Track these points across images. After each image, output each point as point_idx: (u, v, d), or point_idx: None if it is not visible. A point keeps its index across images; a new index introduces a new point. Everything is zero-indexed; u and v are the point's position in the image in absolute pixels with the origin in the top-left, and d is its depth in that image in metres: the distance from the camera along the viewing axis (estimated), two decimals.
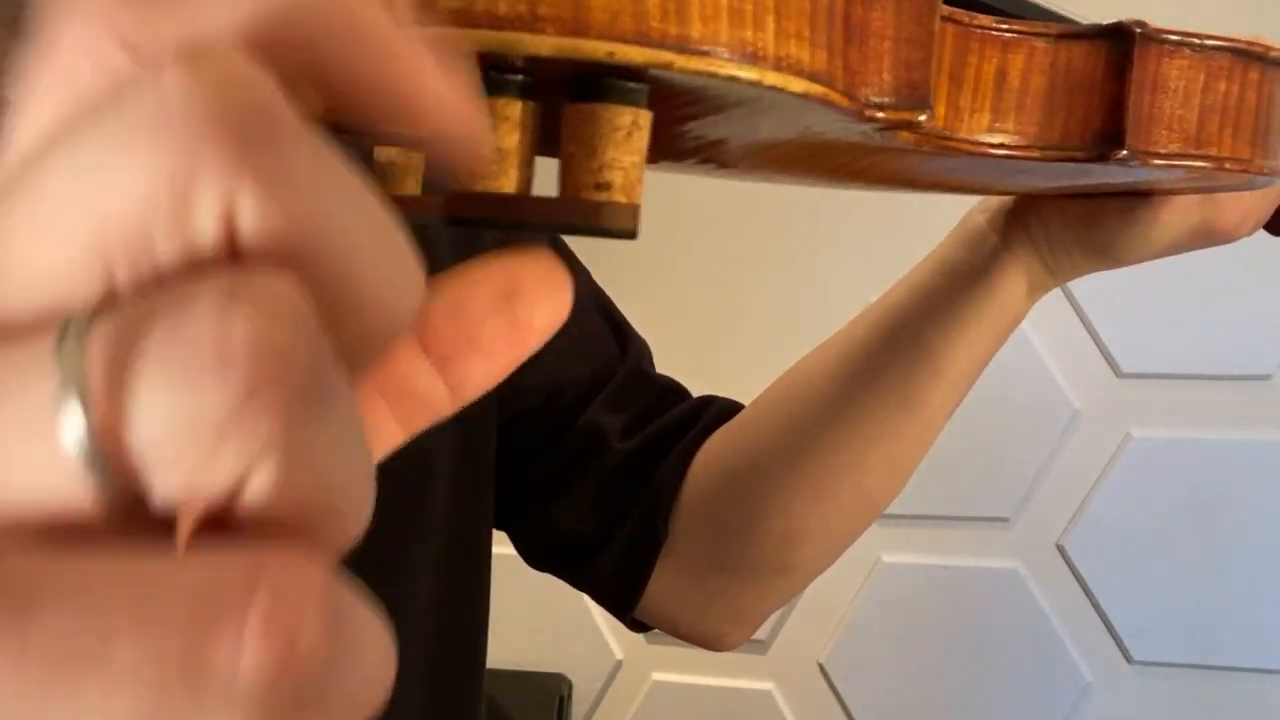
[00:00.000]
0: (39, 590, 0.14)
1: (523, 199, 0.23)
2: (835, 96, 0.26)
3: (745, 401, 0.70)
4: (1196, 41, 0.39)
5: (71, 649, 0.13)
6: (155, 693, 0.13)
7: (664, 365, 0.75)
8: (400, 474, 0.59)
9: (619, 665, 1.47)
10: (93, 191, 0.15)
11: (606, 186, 0.23)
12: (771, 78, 0.23)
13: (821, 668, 1.42)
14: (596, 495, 0.69)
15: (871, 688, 1.40)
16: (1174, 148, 0.39)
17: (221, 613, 0.14)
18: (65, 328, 0.14)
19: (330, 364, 0.15)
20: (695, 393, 0.74)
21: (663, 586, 0.69)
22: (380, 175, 0.33)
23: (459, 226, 0.24)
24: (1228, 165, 0.40)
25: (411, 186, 0.34)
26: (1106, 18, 0.39)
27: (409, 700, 0.61)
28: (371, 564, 0.65)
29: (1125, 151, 0.37)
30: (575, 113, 0.23)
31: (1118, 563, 1.32)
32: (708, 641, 0.72)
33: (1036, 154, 0.37)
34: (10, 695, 0.13)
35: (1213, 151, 0.40)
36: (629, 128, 0.23)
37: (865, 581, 1.39)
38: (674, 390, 0.73)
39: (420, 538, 0.62)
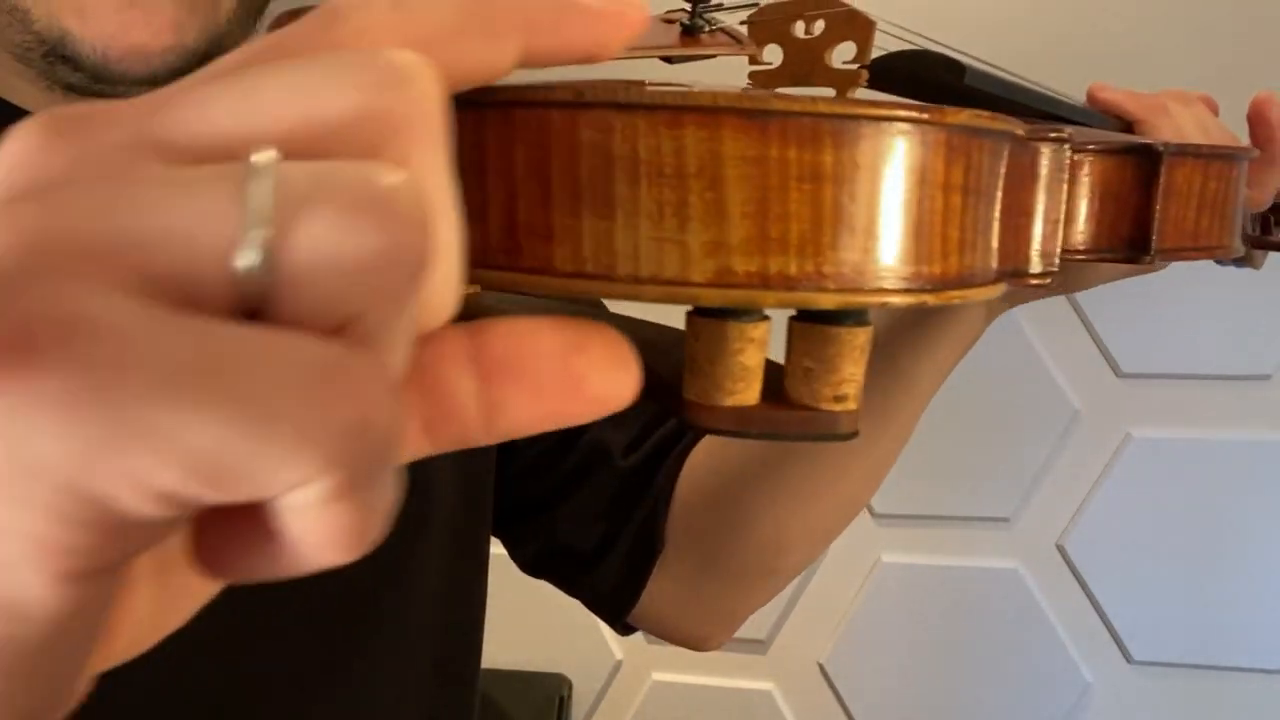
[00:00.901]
0: (224, 341, 0.16)
1: (766, 411, 0.25)
2: (1005, 283, 0.28)
3: None
4: (1196, 150, 0.43)
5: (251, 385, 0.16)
6: (275, 429, 0.16)
7: None
8: (405, 475, 0.59)
9: (619, 665, 1.47)
10: (308, 89, 0.18)
11: (844, 399, 0.26)
12: (982, 293, 0.26)
13: (821, 668, 1.42)
14: (599, 509, 0.70)
15: (871, 688, 1.40)
16: (1179, 243, 0.43)
17: (332, 367, 0.17)
18: (256, 161, 0.17)
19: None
20: None
21: (653, 591, 0.71)
22: None
23: (699, 432, 0.26)
24: (1216, 252, 0.45)
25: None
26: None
27: (413, 694, 0.62)
28: (378, 561, 0.65)
29: (1150, 255, 0.41)
30: (815, 333, 0.25)
31: (1118, 563, 1.32)
32: (693, 642, 0.74)
33: (1079, 257, 0.40)
34: (210, 434, 0.16)
35: (1205, 242, 0.44)
36: (864, 345, 0.25)
37: (865, 581, 1.39)
38: None
39: (424, 537, 0.62)
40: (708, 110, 0.22)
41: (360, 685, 0.58)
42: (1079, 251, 0.40)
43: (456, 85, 0.21)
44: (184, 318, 0.16)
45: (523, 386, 0.22)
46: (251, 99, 0.18)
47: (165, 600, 0.23)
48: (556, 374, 0.22)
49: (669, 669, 1.45)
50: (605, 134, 0.22)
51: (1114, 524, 1.32)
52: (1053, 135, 0.32)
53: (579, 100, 0.23)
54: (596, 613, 0.74)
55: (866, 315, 0.26)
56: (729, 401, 0.25)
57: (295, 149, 0.18)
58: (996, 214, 0.27)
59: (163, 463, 0.16)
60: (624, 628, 0.74)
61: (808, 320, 0.26)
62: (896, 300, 0.24)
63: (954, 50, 0.42)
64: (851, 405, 0.26)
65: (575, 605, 1.50)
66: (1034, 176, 0.31)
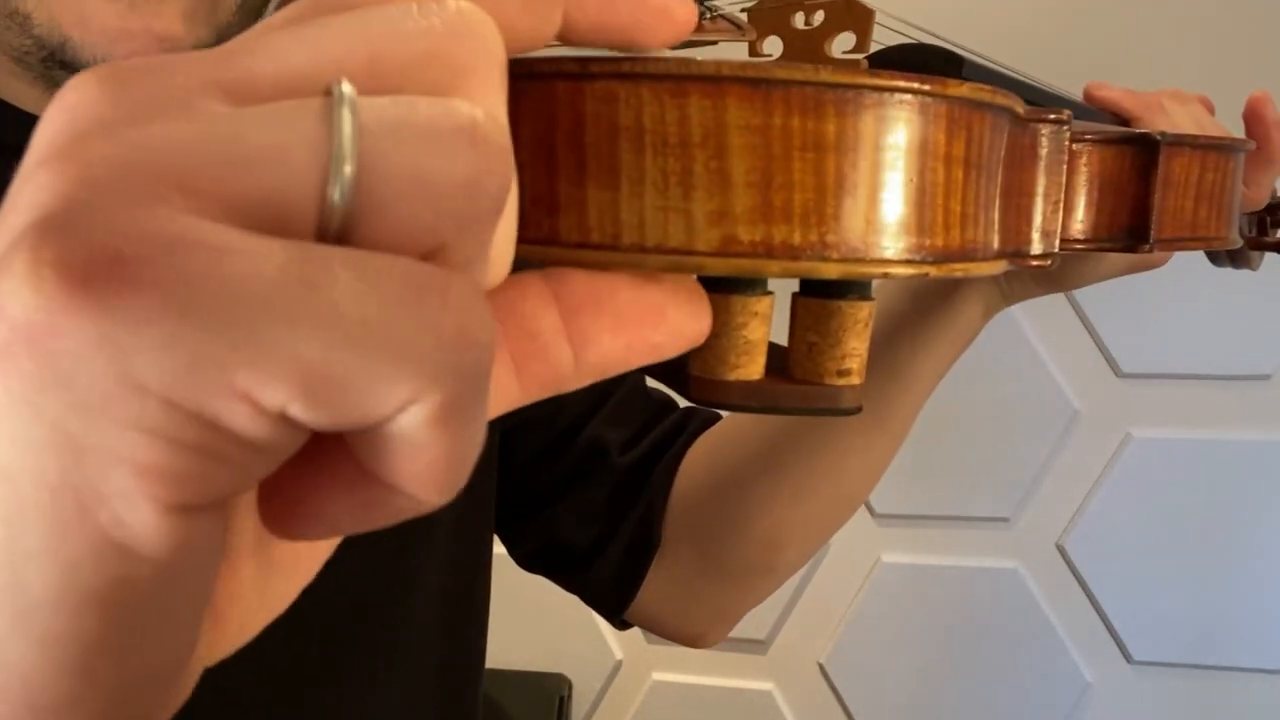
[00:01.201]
0: (326, 259, 0.16)
1: (770, 385, 0.26)
2: (1006, 262, 0.29)
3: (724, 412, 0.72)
4: (1193, 141, 0.44)
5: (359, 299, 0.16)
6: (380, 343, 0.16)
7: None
8: None
9: (619, 665, 1.47)
10: (376, 31, 0.18)
11: (848, 373, 0.26)
12: (984, 268, 0.26)
13: (821, 668, 1.42)
14: (597, 506, 0.70)
15: (871, 688, 1.40)
16: (1178, 233, 0.43)
17: (429, 284, 0.17)
18: (339, 91, 0.17)
19: None
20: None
21: (650, 588, 0.71)
22: None
23: (705, 406, 0.26)
24: (1214, 243, 0.45)
25: None
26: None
27: (416, 693, 0.62)
28: (381, 561, 0.65)
29: (1149, 244, 0.41)
30: (819, 307, 0.26)
31: (1118, 563, 1.32)
32: (689, 640, 0.75)
33: (1079, 246, 0.40)
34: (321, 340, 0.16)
35: (1203, 233, 0.44)
36: (867, 320, 0.26)
37: (865, 581, 1.39)
38: (667, 405, 0.75)
39: (427, 537, 0.62)
40: (712, 79, 0.22)
41: (363, 684, 0.58)
42: (1078, 241, 0.40)
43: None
44: (274, 239, 0.16)
45: (604, 317, 0.22)
46: (321, 40, 0.18)
47: (271, 573, 0.23)
48: (636, 303, 0.22)
49: (669, 669, 1.45)
50: (610, 104, 0.23)
51: (1114, 524, 1.32)
52: (1052, 117, 0.32)
53: (584, 71, 0.23)
54: (594, 608, 0.74)
55: (869, 289, 0.26)
56: (733, 376, 0.25)
57: (366, 87, 0.18)
58: (998, 191, 0.27)
59: (270, 376, 0.16)
60: (621, 624, 0.75)
61: (811, 294, 0.26)
62: (899, 271, 0.24)
63: (952, 44, 0.42)
64: (855, 380, 0.26)
65: (575, 605, 1.50)
66: (1034, 157, 0.32)
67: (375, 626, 0.59)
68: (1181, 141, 0.42)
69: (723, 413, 0.72)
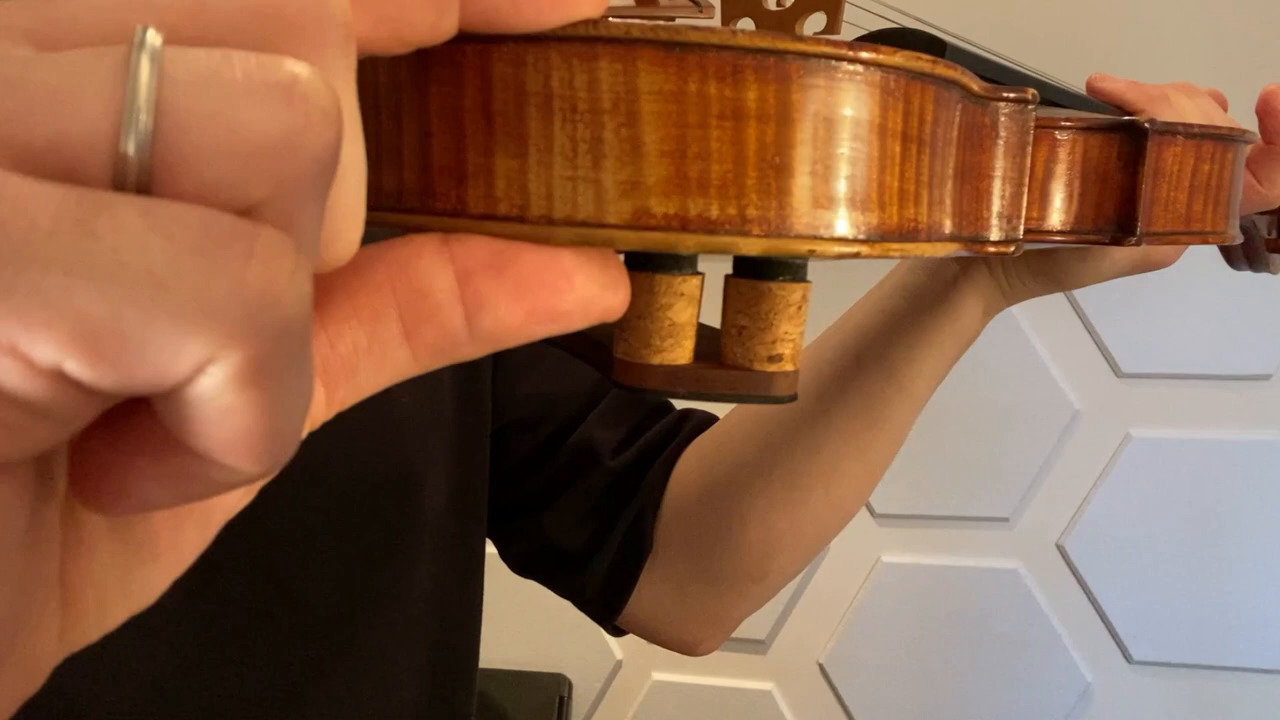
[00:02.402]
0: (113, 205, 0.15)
1: (697, 371, 0.24)
2: (961, 246, 0.27)
3: (719, 414, 0.72)
4: (1186, 129, 0.42)
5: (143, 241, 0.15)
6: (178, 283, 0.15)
7: None
8: (393, 475, 0.59)
9: (619, 665, 1.47)
10: None
11: (779, 359, 0.25)
12: (926, 249, 0.25)
13: (821, 668, 1.42)
14: (588, 509, 0.70)
15: (871, 688, 1.40)
16: (1170, 226, 0.41)
17: (230, 235, 0.16)
18: (141, 38, 0.16)
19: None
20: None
21: (644, 594, 0.70)
22: None
23: (627, 392, 0.25)
24: (1210, 238, 0.43)
25: None
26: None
27: (405, 695, 0.61)
28: (368, 562, 0.65)
29: (1136, 237, 0.39)
30: (748, 288, 0.24)
31: (1118, 563, 1.32)
32: (684, 647, 0.74)
33: (1058, 238, 0.39)
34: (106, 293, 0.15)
35: (1198, 227, 0.43)
36: (800, 302, 0.25)
37: (865, 581, 1.39)
38: (661, 407, 0.74)
39: (414, 538, 0.62)
40: (622, 42, 0.21)
41: (351, 686, 0.58)
42: (1060, 232, 0.38)
43: (394, 46, 0.20)
44: (56, 184, 0.15)
45: (502, 280, 0.21)
46: None
47: (133, 557, 0.21)
48: (541, 268, 0.21)
49: (669, 669, 1.45)
50: (517, 67, 0.22)
51: (1114, 524, 1.32)
52: (1012, 95, 0.30)
53: (491, 34, 0.22)
54: (586, 613, 0.73)
55: (803, 270, 0.25)
56: (657, 359, 0.24)
57: (184, 38, 0.17)
58: (951, 171, 0.26)
59: (39, 328, 0.15)
60: (615, 629, 0.74)
61: (742, 275, 0.25)
62: (827, 248, 0.23)
63: (940, 30, 0.41)
64: (788, 366, 0.25)
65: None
66: (994, 137, 0.30)
67: (359, 629, 0.59)
68: (1173, 130, 0.41)
69: (718, 415, 0.72)
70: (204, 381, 0.16)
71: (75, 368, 0.15)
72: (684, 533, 0.69)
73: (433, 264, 0.21)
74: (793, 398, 0.25)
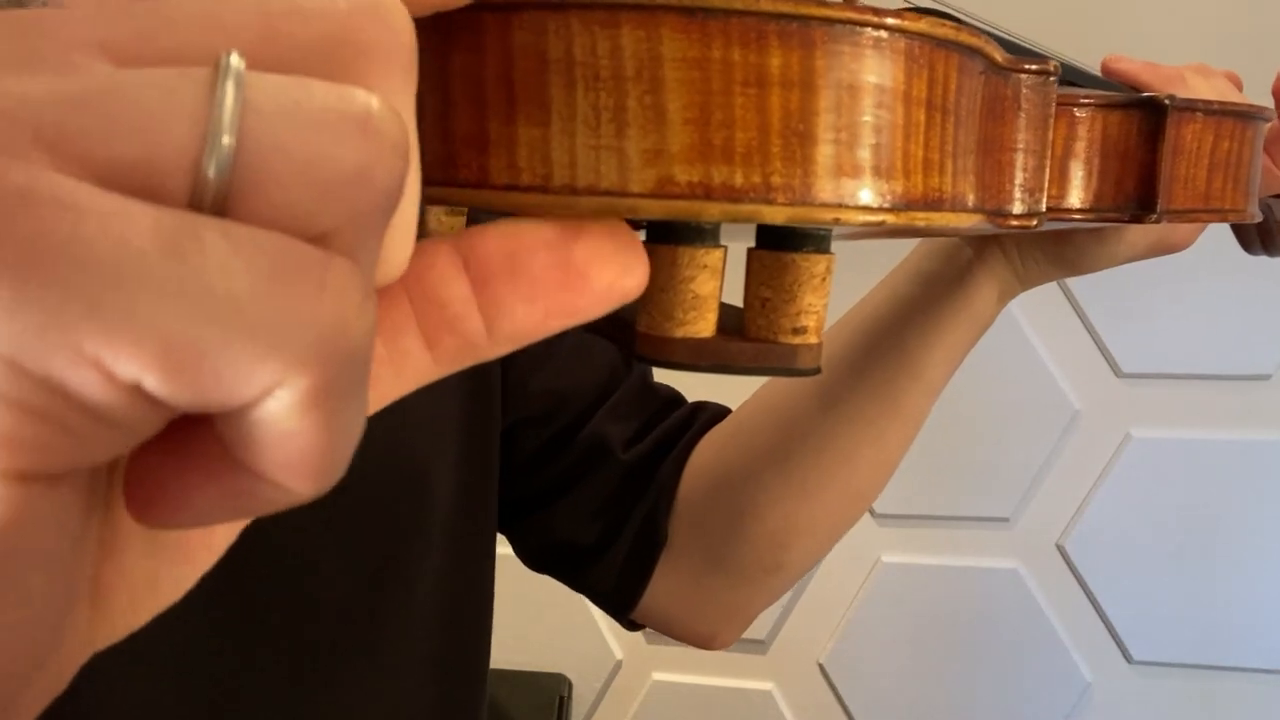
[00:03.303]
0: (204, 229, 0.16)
1: (721, 343, 0.24)
2: (983, 218, 0.27)
3: (732, 406, 0.71)
4: (1205, 106, 0.41)
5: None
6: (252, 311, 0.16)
7: (658, 373, 0.75)
8: (402, 472, 0.59)
9: (619, 665, 1.47)
10: (281, 5, 0.17)
11: (803, 330, 0.24)
12: (951, 219, 0.25)
13: (821, 668, 1.42)
14: (601, 503, 0.69)
15: (871, 688, 1.40)
16: (1189, 204, 0.41)
17: (306, 264, 0.16)
18: (226, 63, 0.16)
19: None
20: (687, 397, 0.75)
21: (659, 588, 0.70)
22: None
23: (651, 365, 0.25)
24: (1230, 216, 0.43)
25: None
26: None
27: (414, 692, 0.61)
28: (376, 558, 0.65)
29: (1156, 214, 0.39)
30: (772, 260, 0.24)
31: (1118, 563, 1.32)
32: (701, 640, 0.73)
33: (1078, 216, 0.38)
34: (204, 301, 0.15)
35: (1217, 205, 0.42)
36: (824, 274, 0.24)
37: (865, 581, 1.39)
38: (674, 399, 0.74)
39: (423, 535, 0.62)
40: (644, 8, 0.21)
41: (359, 683, 0.58)
42: (1080, 210, 0.38)
43: (413, 9, 0.20)
44: (146, 204, 0.16)
45: (517, 284, 0.21)
46: (216, 10, 0.17)
47: (162, 557, 0.22)
48: (553, 265, 0.21)
49: (669, 669, 1.45)
50: (539, 35, 0.21)
51: (1114, 524, 1.32)
52: (1034, 67, 0.30)
53: (511, 1, 0.22)
54: (601, 607, 0.73)
55: (826, 242, 0.25)
56: (680, 332, 0.24)
57: (259, 62, 0.17)
58: (974, 142, 0.26)
59: (124, 345, 0.15)
60: (630, 624, 0.74)
61: (765, 247, 0.25)
62: (852, 216, 0.22)
63: (952, 9, 0.41)
64: (812, 339, 0.25)
65: (575, 605, 1.50)
66: (1016, 109, 0.30)
67: (368, 625, 0.59)
68: (1193, 107, 0.40)
69: (731, 408, 0.71)
70: (270, 404, 0.16)
71: (153, 384, 0.15)
72: (699, 525, 0.69)
73: (446, 274, 0.21)
74: (817, 370, 0.25)
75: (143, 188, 0.16)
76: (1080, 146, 0.38)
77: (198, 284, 0.15)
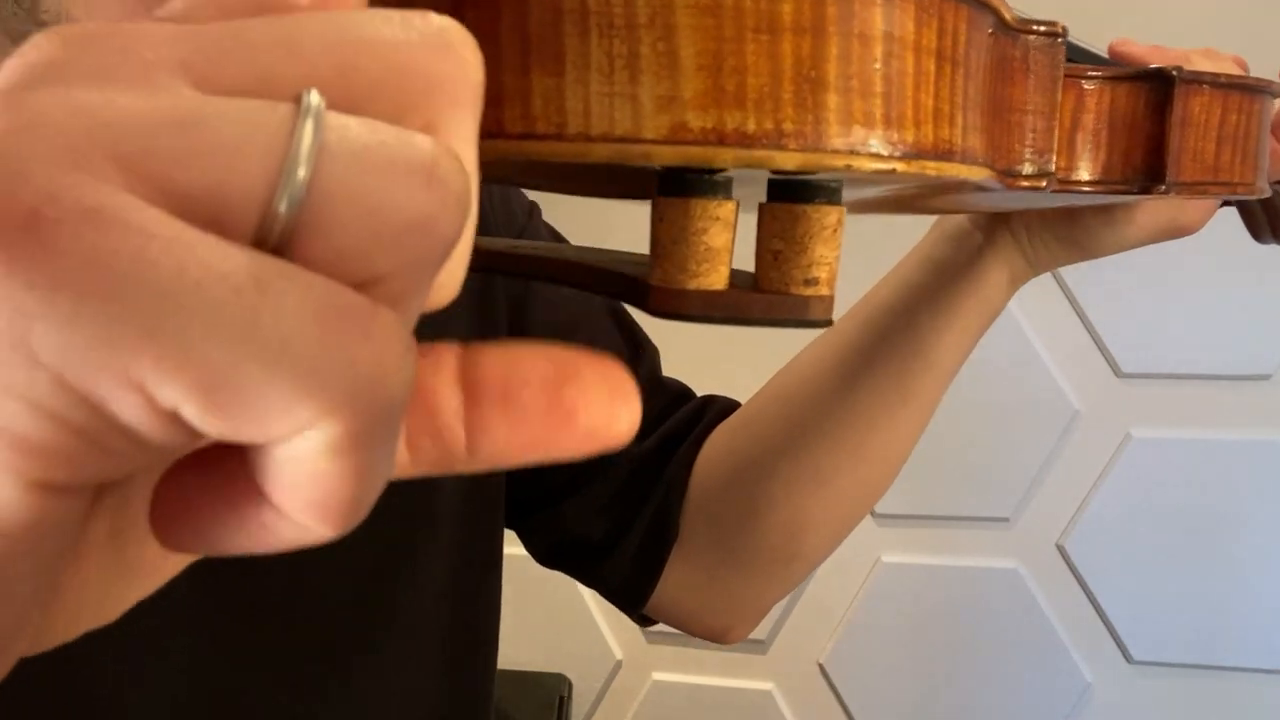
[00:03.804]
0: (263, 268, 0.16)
1: (734, 295, 0.25)
2: (994, 175, 0.27)
3: (741, 400, 0.71)
4: (1213, 78, 0.42)
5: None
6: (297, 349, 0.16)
7: (668, 367, 0.75)
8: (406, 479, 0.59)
9: (619, 665, 1.47)
10: (353, 36, 0.18)
11: (815, 282, 0.25)
12: (963, 170, 0.25)
13: (821, 668, 1.42)
14: (610, 497, 0.69)
15: (871, 688, 1.40)
16: (1199, 177, 0.41)
17: (354, 312, 0.16)
18: (307, 101, 0.17)
19: None
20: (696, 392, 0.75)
21: (671, 582, 0.70)
22: None
23: (669, 320, 0.25)
24: (1239, 189, 0.43)
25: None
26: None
27: (419, 692, 0.62)
28: (382, 557, 0.64)
29: (1165, 185, 0.39)
30: (784, 212, 0.24)
31: (1118, 563, 1.32)
32: (714, 635, 0.73)
33: (1088, 188, 0.39)
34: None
35: (1226, 177, 0.42)
36: (835, 225, 0.25)
37: (865, 581, 1.39)
38: (683, 393, 0.74)
39: (429, 534, 0.62)
40: None
41: (364, 683, 0.58)
42: (1089, 182, 0.38)
43: None
44: (210, 236, 0.16)
45: (506, 412, 0.21)
46: (297, 39, 0.17)
47: (117, 574, 0.22)
48: (543, 402, 0.21)
49: (669, 669, 1.45)
50: None
51: (1114, 524, 1.32)
52: (1043, 28, 0.30)
53: None
54: (614, 603, 0.73)
55: (837, 194, 0.25)
56: (693, 284, 0.24)
57: (334, 96, 0.17)
58: (982, 97, 0.26)
59: (169, 372, 0.15)
60: (642, 619, 0.73)
61: (777, 200, 0.25)
62: (863, 164, 0.23)
63: None
64: (824, 290, 0.25)
65: (575, 605, 1.50)
66: (1024, 70, 0.30)
67: (373, 625, 0.59)
68: (1200, 79, 0.41)
69: (740, 401, 0.71)
70: (301, 444, 0.16)
71: (191, 413, 0.16)
72: (711, 518, 0.69)
73: (441, 382, 0.21)
74: (828, 322, 0.25)
75: (213, 219, 0.16)
76: (1088, 118, 0.38)
77: (247, 321, 0.15)
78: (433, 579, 0.62)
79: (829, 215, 0.25)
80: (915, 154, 0.23)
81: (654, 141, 0.22)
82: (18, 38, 0.53)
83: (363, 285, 0.17)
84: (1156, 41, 0.54)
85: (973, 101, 0.25)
